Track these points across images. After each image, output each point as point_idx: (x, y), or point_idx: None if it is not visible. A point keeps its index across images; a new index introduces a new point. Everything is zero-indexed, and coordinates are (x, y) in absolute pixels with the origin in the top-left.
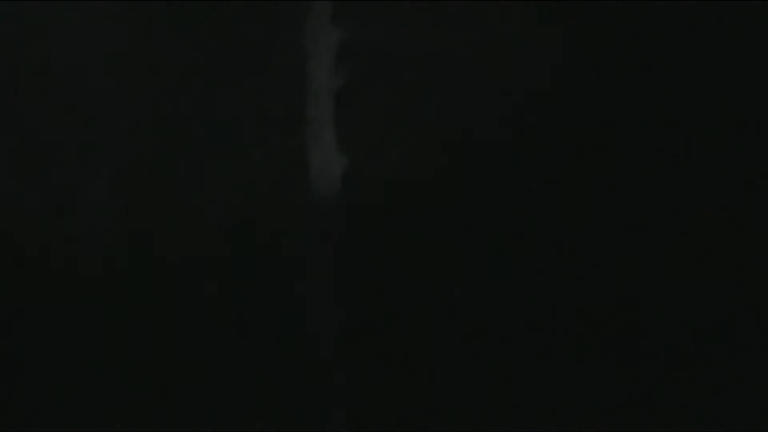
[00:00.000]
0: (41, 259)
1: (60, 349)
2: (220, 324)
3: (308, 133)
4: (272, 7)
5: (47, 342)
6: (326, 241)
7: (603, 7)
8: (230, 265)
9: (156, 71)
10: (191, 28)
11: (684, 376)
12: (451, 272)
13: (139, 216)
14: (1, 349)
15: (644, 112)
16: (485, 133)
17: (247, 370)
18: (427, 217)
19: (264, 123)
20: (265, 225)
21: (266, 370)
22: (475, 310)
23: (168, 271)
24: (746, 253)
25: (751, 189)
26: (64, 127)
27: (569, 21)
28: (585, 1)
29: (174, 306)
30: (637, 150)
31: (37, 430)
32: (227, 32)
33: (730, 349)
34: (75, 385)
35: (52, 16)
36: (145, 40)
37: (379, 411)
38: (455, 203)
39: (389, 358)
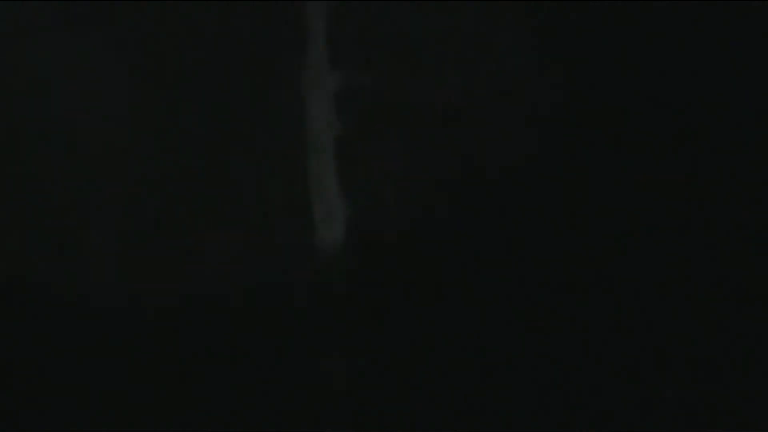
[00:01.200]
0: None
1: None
2: (224, 371)
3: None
4: (270, 54)
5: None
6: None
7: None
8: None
9: (155, 126)
10: (190, 84)
11: (684, 376)
12: (453, 320)
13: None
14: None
15: (644, 112)
16: (485, 177)
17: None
18: (430, 264)
19: (265, 173)
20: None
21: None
22: (475, 352)
23: (171, 318)
24: (745, 253)
25: (751, 187)
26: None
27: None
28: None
29: (177, 352)
30: (639, 149)
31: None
32: (226, 82)
33: (730, 350)
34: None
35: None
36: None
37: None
38: (459, 253)
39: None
